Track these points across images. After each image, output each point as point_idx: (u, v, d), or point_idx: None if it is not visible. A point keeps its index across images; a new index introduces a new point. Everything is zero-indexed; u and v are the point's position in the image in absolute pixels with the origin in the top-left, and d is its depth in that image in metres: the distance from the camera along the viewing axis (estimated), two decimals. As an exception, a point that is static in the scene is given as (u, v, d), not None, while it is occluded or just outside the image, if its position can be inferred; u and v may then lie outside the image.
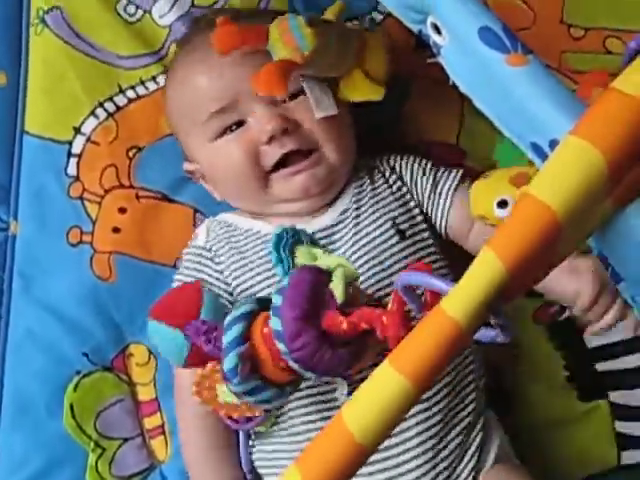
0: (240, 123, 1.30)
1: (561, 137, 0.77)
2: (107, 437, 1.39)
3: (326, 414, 1.21)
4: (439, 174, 1.38)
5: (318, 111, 1.25)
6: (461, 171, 1.38)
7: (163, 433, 1.43)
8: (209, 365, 1.11)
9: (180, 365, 1.13)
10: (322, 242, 1.29)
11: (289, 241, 1.12)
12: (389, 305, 0.96)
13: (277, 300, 1.02)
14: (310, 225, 1.30)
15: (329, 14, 1.34)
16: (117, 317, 1.42)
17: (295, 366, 1.00)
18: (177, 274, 1.37)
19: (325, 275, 1.04)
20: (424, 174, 1.37)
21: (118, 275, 1.43)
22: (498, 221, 1.08)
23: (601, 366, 1.47)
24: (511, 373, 1.46)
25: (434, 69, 1.51)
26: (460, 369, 1.29)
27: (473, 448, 1.27)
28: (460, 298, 0.74)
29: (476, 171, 1.47)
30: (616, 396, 1.47)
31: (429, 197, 1.36)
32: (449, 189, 1.36)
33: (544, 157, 0.83)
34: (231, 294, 1.30)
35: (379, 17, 1.54)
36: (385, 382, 0.74)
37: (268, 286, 1.27)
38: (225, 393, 1.10)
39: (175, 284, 1.34)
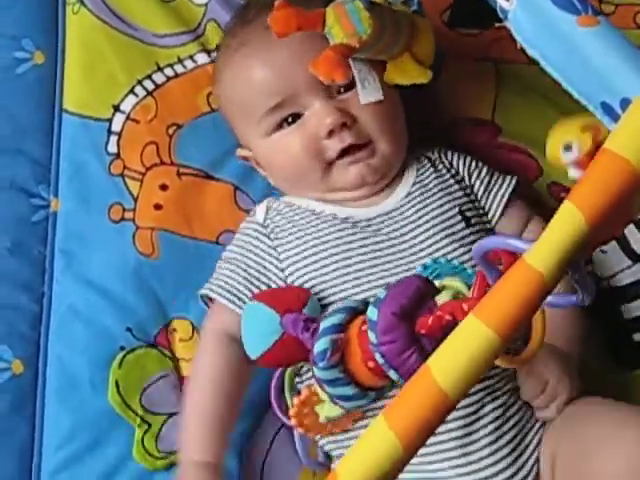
0: (296, 115, 1.31)
1: (633, 96, 0.79)
2: (152, 412, 1.38)
3: None
4: (494, 179, 1.40)
5: (363, 95, 1.26)
6: (515, 179, 1.41)
7: (207, 408, 1.43)
8: (304, 390, 1.14)
9: (258, 354, 1.17)
10: (385, 225, 1.31)
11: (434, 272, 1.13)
12: (469, 293, 0.97)
13: (381, 294, 1.03)
14: (372, 210, 1.33)
15: None
16: (160, 293, 1.42)
17: (381, 360, 1.01)
18: (230, 245, 1.38)
19: (433, 288, 1.04)
20: (478, 176, 1.39)
21: (161, 251, 1.44)
22: (565, 164, 1.06)
23: (639, 336, 1.48)
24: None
25: (467, 46, 1.55)
26: None
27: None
28: (544, 251, 0.75)
29: (510, 146, 1.50)
30: (655, 366, 1.48)
31: (481, 198, 1.38)
32: (502, 196, 1.38)
33: (614, 116, 0.84)
34: (282, 270, 1.32)
35: (414, -7, 1.55)
36: (471, 334, 0.75)
37: (322, 266, 1.29)
38: (326, 408, 1.11)
39: (226, 254, 1.37)
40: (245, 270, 1.34)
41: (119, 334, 1.40)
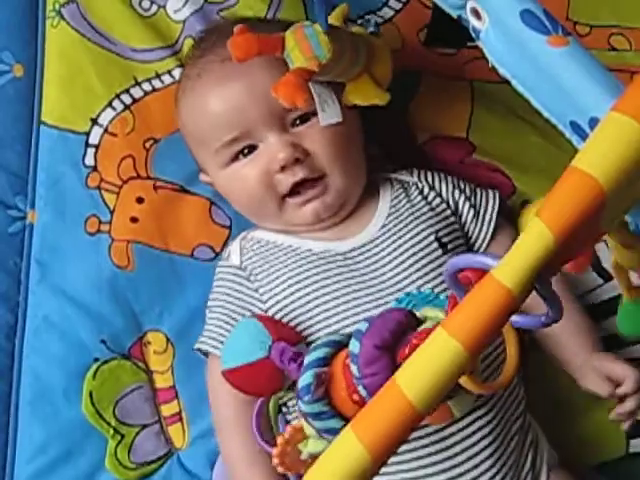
0: (252, 147, 1.31)
1: (601, 115, 0.80)
2: (126, 424, 1.39)
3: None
4: (479, 199, 1.41)
5: (323, 118, 1.27)
6: (497, 195, 1.43)
7: (180, 420, 1.43)
8: (288, 428, 1.14)
9: (233, 365, 1.17)
10: (362, 258, 1.31)
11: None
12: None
13: (362, 326, 1.04)
14: (347, 243, 1.33)
15: (334, 19, 1.36)
16: (135, 305, 1.43)
17: (364, 393, 1.01)
18: (212, 293, 1.38)
19: (415, 320, 1.05)
20: (465, 199, 1.40)
21: (137, 264, 1.44)
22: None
23: (610, 354, 1.49)
24: (523, 360, 1.47)
25: (443, 64, 1.57)
26: None
27: (527, 447, 1.31)
28: (511, 266, 0.76)
29: (484, 164, 1.51)
30: (625, 384, 1.48)
31: (471, 222, 1.39)
32: (490, 219, 1.39)
33: (583, 135, 0.86)
34: (266, 311, 1.31)
35: (390, 13, 1.57)
36: (438, 346, 0.76)
37: (305, 303, 1.28)
38: (310, 444, 1.11)
39: (210, 303, 1.37)
40: (231, 317, 1.33)
41: (93, 346, 1.41)
